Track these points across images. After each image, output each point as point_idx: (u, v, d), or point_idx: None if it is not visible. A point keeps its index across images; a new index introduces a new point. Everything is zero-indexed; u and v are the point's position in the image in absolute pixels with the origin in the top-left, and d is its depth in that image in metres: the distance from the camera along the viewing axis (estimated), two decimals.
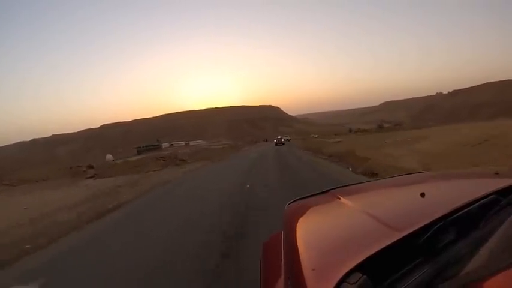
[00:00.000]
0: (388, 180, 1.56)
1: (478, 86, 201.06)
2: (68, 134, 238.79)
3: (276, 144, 41.93)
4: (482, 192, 0.79)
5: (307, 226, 1.00)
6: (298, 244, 0.82)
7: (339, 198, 1.11)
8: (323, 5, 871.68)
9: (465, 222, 0.70)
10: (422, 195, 0.89)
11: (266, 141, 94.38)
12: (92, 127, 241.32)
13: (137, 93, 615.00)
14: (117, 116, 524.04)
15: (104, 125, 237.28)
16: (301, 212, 1.12)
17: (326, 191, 1.27)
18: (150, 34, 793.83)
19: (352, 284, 0.56)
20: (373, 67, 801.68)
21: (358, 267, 0.59)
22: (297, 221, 1.01)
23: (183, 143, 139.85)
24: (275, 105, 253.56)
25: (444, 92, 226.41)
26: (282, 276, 0.83)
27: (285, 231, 1.01)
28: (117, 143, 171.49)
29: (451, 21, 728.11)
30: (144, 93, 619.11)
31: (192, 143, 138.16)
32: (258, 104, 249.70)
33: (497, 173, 1.08)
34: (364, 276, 0.57)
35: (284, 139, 47.95)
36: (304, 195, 1.27)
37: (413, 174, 1.59)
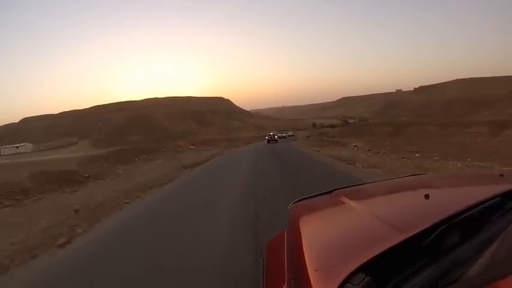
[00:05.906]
0: (393, 181, 1.60)
1: (445, 82, 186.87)
2: None
3: (268, 142, 35.65)
4: (487, 195, 0.78)
5: (311, 226, 1.00)
6: (301, 244, 0.82)
7: (343, 199, 1.10)
8: None
9: (469, 225, 0.70)
10: (427, 196, 0.88)
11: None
12: (12, 122, 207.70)
13: (67, 82, 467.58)
14: (42, 109, 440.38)
15: (25, 118, 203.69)
16: (305, 212, 1.12)
17: (330, 191, 1.25)
18: (81, 14, 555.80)
19: (355, 284, 0.55)
20: (330, 63, 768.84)
21: (362, 268, 0.58)
22: (301, 221, 1.01)
23: None
24: (226, 98, 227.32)
25: (404, 90, 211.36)
26: (285, 276, 0.82)
27: (289, 231, 1.02)
28: (39, 138, 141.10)
29: (409, 20, 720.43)
30: (75, 82, 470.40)
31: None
32: (206, 96, 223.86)
33: (502, 175, 1.06)
34: (368, 277, 0.56)
35: (281, 135, 37.69)
36: (308, 195, 1.26)
37: (417, 176, 1.58)
